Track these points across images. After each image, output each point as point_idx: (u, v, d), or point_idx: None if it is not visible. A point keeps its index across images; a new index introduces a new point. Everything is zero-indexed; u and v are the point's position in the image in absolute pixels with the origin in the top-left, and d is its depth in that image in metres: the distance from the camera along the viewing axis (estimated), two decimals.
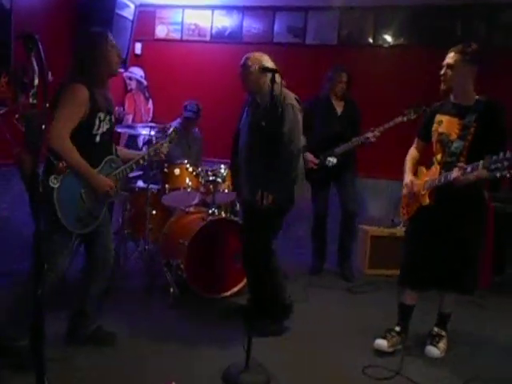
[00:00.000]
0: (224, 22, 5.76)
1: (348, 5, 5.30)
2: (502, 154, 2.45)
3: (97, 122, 2.55)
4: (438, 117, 2.89)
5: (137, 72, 5.63)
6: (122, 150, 2.95)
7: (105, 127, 2.61)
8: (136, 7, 5.00)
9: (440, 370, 2.84)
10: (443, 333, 3.05)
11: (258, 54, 3.10)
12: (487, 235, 2.97)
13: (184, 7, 5.82)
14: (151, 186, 3.83)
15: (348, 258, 4.55)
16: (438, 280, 2.90)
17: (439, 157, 2.88)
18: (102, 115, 2.57)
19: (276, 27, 5.59)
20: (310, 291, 4.01)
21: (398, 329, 3.04)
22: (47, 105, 1.61)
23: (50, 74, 4.60)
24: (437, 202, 2.83)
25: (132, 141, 5.29)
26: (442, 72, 2.85)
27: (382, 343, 2.96)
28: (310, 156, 4.34)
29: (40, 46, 1.77)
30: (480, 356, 3.06)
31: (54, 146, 2.41)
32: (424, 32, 5.22)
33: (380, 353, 2.96)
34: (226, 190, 3.96)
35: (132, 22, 5.03)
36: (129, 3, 4.90)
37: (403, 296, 3.04)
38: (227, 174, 3.96)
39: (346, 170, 4.41)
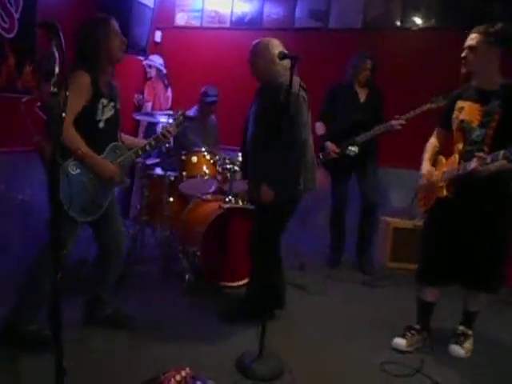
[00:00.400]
0: (244, 7, 5.66)
1: None
2: None
3: (100, 107, 2.54)
4: (459, 103, 2.73)
5: (156, 60, 5.61)
6: (128, 138, 2.93)
7: (108, 114, 2.60)
8: None
9: (463, 370, 2.72)
10: (469, 332, 2.92)
11: (268, 40, 3.01)
12: None
13: None
14: (169, 173, 3.82)
15: (367, 251, 4.46)
16: (458, 276, 2.77)
17: (460, 146, 2.71)
18: (104, 101, 2.57)
19: (297, 12, 5.44)
20: (328, 283, 3.95)
21: (417, 327, 2.93)
22: (67, 93, 1.58)
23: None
24: (456, 194, 2.68)
25: (151, 129, 5.28)
26: (463, 55, 2.68)
27: (400, 342, 2.87)
28: (330, 145, 4.25)
29: (61, 35, 1.74)
30: (506, 358, 2.93)
31: None
32: (457, 13, 4.95)
33: (399, 350, 2.87)
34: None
35: (152, 9, 4.97)
36: None
37: (423, 292, 2.93)
38: None
39: (368, 159, 4.30)
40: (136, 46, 4.85)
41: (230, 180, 3.83)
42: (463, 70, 2.70)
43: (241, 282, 3.66)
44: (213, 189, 4.06)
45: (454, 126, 2.74)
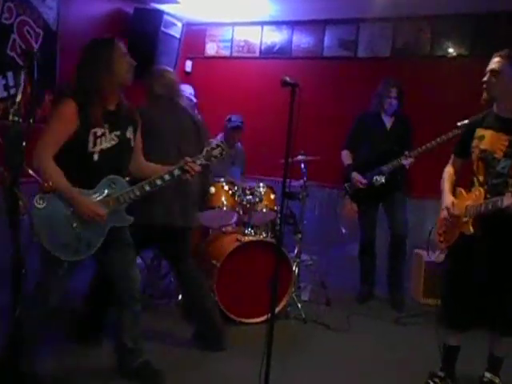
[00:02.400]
0: (273, 37, 5.67)
1: (402, 15, 5.00)
2: None
3: (91, 139, 2.30)
4: (480, 131, 2.54)
5: (187, 90, 5.63)
6: (149, 167, 2.60)
7: (106, 144, 2.34)
8: (183, 25, 5.01)
9: None
10: (497, 380, 2.65)
11: None
12: None
13: (234, 24, 5.80)
14: None
15: (399, 285, 4.21)
16: (484, 320, 2.56)
17: (481, 178, 2.52)
18: (98, 131, 2.31)
19: (326, 41, 5.41)
20: (354, 320, 3.73)
21: (441, 374, 2.70)
22: (31, 121, 1.52)
23: None
24: (482, 230, 2.46)
25: None
26: (485, 79, 2.50)
27: None
28: (356, 175, 4.11)
29: (35, 64, 1.72)
30: None
31: (34, 164, 2.24)
32: (488, 41, 4.79)
33: None
34: (264, 210, 3.82)
35: (179, 40, 5.04)
36: (176, 22, 4.92)
37: (446, 336, 2.70)
38: (265, 192, 3.82)
39: (395, 189, 4.11)
40: None
41: (250, 211, 3.72)
42: (485, 96, 2.52)
43: (259, 319, 3.49)
44: (234, 220, 3.96)
45: (475, 155, 2.56)
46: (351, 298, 4.24)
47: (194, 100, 5.64)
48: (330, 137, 5.21)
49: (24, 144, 1.73)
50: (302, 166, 4.16)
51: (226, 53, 5.90)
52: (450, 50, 5.01)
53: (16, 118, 1.56)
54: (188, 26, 5.34)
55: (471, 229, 2.49)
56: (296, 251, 4.12)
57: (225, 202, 3.74)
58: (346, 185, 4.24)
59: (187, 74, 5.98)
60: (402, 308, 4.05)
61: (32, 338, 2.41)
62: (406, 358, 3.14)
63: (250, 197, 3.72)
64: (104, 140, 2.35)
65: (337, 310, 3.95)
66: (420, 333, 3.61)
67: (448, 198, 2.65)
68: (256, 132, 5.06)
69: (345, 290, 4.37)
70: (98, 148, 2.33)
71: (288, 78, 2.27)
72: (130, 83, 2.42)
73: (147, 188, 2.42)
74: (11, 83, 3.71)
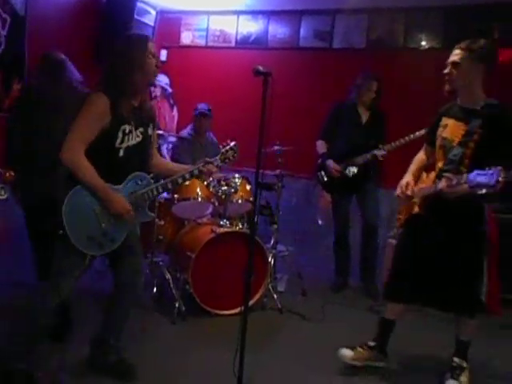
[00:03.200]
0: (249, 27, 5.61)
1: (378, 6, 5.01)
2: (487, 170, 2.17)
3: (120, 135, 2.32)
4: (444, 120, 2.63)
5: (162, 79, 5.55)
6: (167, 164, 2.73)
7: (132, 141, 2.37)
8: (157, 13, 4.92)
9: None
10: (464, 364, 2.70)
11: None
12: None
13: (209, 13, 5.72)
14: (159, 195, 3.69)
15: (371, 274, 4.26)
16: (426, 296, 2.66)
17: (440, 164, 2.61)
18: (127, 128, 2.34)
19: (302, 31, 5.38)
20: (329, 309, 3.75)
21: (371, 344, 2.81)
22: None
23: None
24: (429, 212, 2.58)
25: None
26: (446, 71, 2.56)
27: (346, 353, 2.77)
28: (331, 162, 4.12)
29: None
30: None
31: (65, 160, 2.22)
32: (460, 34, 4.81)
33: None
34: (240, 201, 3.80)
35: (153, 28, 4.94)
36: (150, 9, 4.83)
37: (386, 309, 2.81)
38: (241, 183, 3.79)
39: (368, 180, 4.16)
40: None
41: (225, 202, 3.69)
42: (447, 87, 2.58)
43: (233, 311, 3.48)
44: (209, 212, 3.93)
45: (438, 143, 2.65)
46: (327, 288, 4.27)
47: (170, 90, 5.57)
48: (305, 128, 5.19)
49: None
50: (277, 156, 4.14)
51: (202, 42, 5.82)
52: (423, 43, 5.05)
53: None
54: (162, 14, 5.25)
55: (416, 208, 2.62)
56: (272, 242, 4.11)
57: (200, 193, 3.71)
58: (318, 173, 4.26)
59: (162, 63, 5.86)
60: (376, 297, 4.08)
61: (36, 335, 2.39)
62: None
63: (226, 188, 3.68)
64: (131, 137, 2.37)
65: (312, 300, 3.97)
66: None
67: (405, 178, 2.73)
68: (231, 122, 5.01)
69: (320, 280, 4.40)
70: (124, 145, 2.35)
71: (260, 67, 2.25)
72: (154, 82, 2.53)
73: (170, 186, 2.51)
74: None
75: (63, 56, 2.98)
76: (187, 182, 3.64)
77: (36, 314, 2.37)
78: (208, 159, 2.60)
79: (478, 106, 2.50)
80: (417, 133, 3.75)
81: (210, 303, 3.46)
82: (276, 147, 4.08)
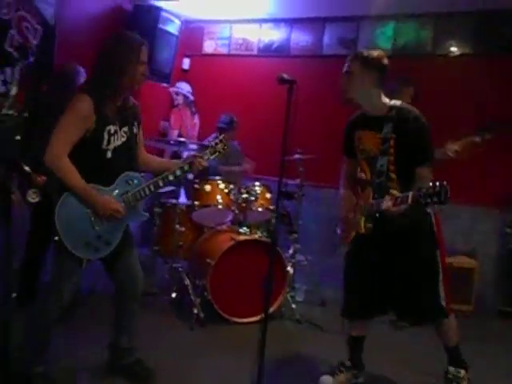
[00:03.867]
0: (272, 35, 5.62)
1: (404, 12, 4.94)
2: (431, 186, 2.10)
3: (105, 137, 2.28)
4: (357, 134, 2.59)
5: (184, 87, 5.61)
6: (155, 161, 2.66)
7: (118, 142, 2.34)
8: (182, 23, 4.97)
9: None
10: (461, 373, 2.63)
11: None
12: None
13: (232, 22, 5.75)
14: (180, 201, 3.72)
15: None
16: (385, 308, 2.69)
17: (368, 176, 2.56)
18: (112, 128, 2.30)
19: (325, 39, 5.35)
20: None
21: (348, 364, 2.77)
22: (26, 115, 1.48)
23: None
24: (373, 229, 2.49)
25: (176, 156, 5.23)
26: (342, 81, 2.52)
27: (327, 380, 2.69)
28: None
29: (31, 58, 1.69)
30: None
31: (47, 164, 2.19)
32: (492, 40, 4.71)
33: None
34: (260, 209, 3.79)
35: (177, 37, 4.99)
36: (174, 19, 4.88)
37: (349, 327, 2.80)
38: (261, 191, 3.79)
39: None
40: (159, 73, 4.87)
41: (245, 210, 3.69)
42: (343, 97, 2.54)
43: (252, 319, 3.47)
44: (229, 219, 3.93)
45: (358, 156, 2.62)
46: None
47: (191, 98, 5.62)
48: (328, 136, 5.17)
49: (19, 138, 1.69)
50: (299, 165, 4.13)
51: (224, 50, 5.85)
52: (453, 49, 4.94)
53: (10, 112, 1.52)
54: (186, 24, 5.30)
55: (362, 228, 2.51)
56: (291, 251, 4.08)
57: (220, 201, 3.71)
58: None
59: (185, 71, 5.94)
60: None
61: (45, 338, 2.39)
62: (402, 360, 3.11)
63: (246, 195, 3.69)
64: (116, 137, 2.34)
65: (331, 310, 3.89)
66: (416, 335, 3.55)
67: (343, 197, 2.70)
68: (253, 130, 5.02)
69: (340, 291, 4.30)
70: (111, 146, 2.32)
71: (285, 75, 2.23)
72: (141, 86, 2.40)
73: (161, 183, 2.45)
74: (9, 79, 3.67)
75: (75, 67, 3.06)
76: (208, 189, 3.70)
77: (39, 319, 2.37)
78: (197, 153, 2.56)
79: (384, 111, 2.48)
80: (475, 137, 3.47)
81: (228, 310, 3.45)
82: (297, 156, 4.06)
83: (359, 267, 2.67)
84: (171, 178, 2.47)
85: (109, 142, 2.31)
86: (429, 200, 2.11)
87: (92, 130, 2.25)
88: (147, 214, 2.56)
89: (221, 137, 2.61)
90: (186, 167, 2.48)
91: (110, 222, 2.33)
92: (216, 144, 2.57)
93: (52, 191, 2.34)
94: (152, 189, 2.43)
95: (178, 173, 2.48)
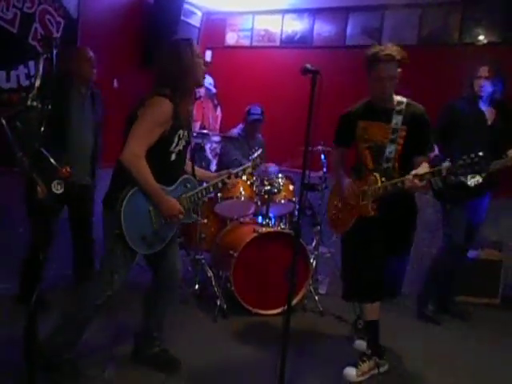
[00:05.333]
0: (294, 26, 5.57)
1: (429, 0, 4.83)
2: (467, 158, 2.38)
3: (175, 140, 2.38)
4: (361, 123, 2.76)
5: (206, 80, 5.60)
6: (200, 170, 2.75)
7: (182, 144, 2.43)
8: (203, 14, 4.97)
9: None
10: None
11: None
12: None
13: (254, 13, 5.71)
14: None
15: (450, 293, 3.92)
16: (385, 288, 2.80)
17: (371, 164, 2.75)
18: (181, 132, 2.39)
19: (349, 29, 5.28)
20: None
21: (368, 352, 2.78)
22: (48, 107, 1.50)
23: (115, 81, 4.66)
24: (380, 211, 2.69)
25: (199, 149, 5.24)
26: (386, 85, 2.66)
27: (349, 372, 2.71)
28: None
29: (54, 50, 1.71)
30: None
31: (125, 162, 2.25)
32: None
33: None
34: (283, 201, 3.77)
35: (199, 29, 4.99)
36: (196, 10, 4.88)
37: (366, 312, 2.79)
38: (284, 183, 3.77)
39: (488, 192, 3.61)
40: None
41: (268, 202, 3.68)
42: (384, 98, 2.70)
43: (275, 311, 3.46)
44: (251, 211, 3.93)
45: (361, 145, 2.78)
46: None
47: (214, 90, 5.62)
48: None
49: (42, 129, 1.71)
50: (322, 156, 4.09)
51: (246, 42, 5.83)
52: (480, 38, 4.81)
53: (34, 104, 1.54)
54: (208, 16, 5.30)
55: (371, 211, 2.68)
56: (314, 243, 4.06)
57: (243, 193, 3.70)
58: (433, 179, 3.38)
59: (207, 63, 5.93)
60: (462, 316, 3.77)
61: (82, 327, 2.44)
62: (425, 354, 3.08)
63: (269, 187, 3.68)
64: (182, 141, 2.42)
65: (355, 303, 3.87)
66: (446, 330, 3.54)
67: (347, 180, 2.83)
68: (276, 122, 4.99)
69: None
70: (177, 149, 2.41)
71: (308, 65, 2.22)
72: (203, 83, 2.57)
73: (211, 189, 2.60)
74: (33, 72, 3.73)
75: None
76: None
77: (83, 307, 2.43)
78: (232, 171, 2.66)
79: (392, 105, 2.69)
80: None
81: (251, 302, 3.45)
82: (320, 147, 4.03)
83: (369, 250, 2.72)
84: (220, 185, 2.62)
85: (177, 144, 2.39)
86: (468, 170, 2.36)
87: (167, 132, 2.32)
88: (196, 216, 2.69)
89: (258, 152, 2.84)
90: (220, 184, 2.62)
91: (167, 221, 2.40)
92: (255, 158, 2.83)
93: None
94: (205, 194, 2.56)
95: (226, 180, 2.62)
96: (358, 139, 2.79)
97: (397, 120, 2.66)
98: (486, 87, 3.53)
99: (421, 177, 2.47)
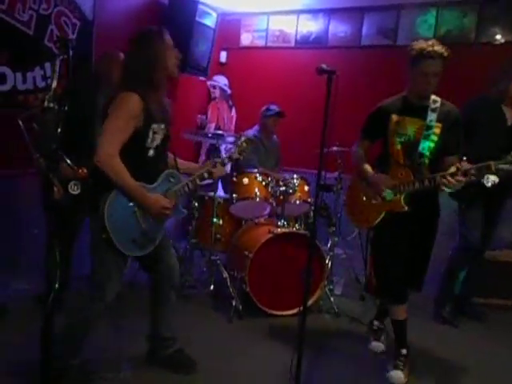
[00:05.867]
0: (309, 26, 5.54)
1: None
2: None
3: (150, 135, 2.29)
4: (394, 117, 2.74)
5: (221, 80, 5.62)
6: (183, 163, 2.66)
7: (159, 139, 2.34)
8: (218, 15, 4.97)
9: None
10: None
11: None
12: None
13: (269, 14, 5.70)
14: (218, 195, 3.74)
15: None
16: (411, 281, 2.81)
17: (402, 159, 2.73)
18: (155, 126, 2.31)
19: (364, 29, 5.23)
20: None
21: (404, 352, 2.79)
22: (65, 108, 1.51)
23: None
24: (414, 206, 2.67)
25: (214, 150, 5.25)
26: (431, 81, 2.66)
27: (397, 375, 2.70)
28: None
29: (70, 51, 1.72)
30: None
31: (100, 163, 2.19)
32: None
33: None
34: (298, 202, 3.76)
35: (214, 30, 4.99)
36: (211, 11, 4.88)
37: (397, 312, 2.79)
38: (299, 184, 3.76)
39: (506, 194, 3.54)
40: (197, 66, 4.89)
41: (283, 203, 3.67)
42: (426, 94, 2.70)
43: (290, 312, 3.45)
44: (267, 212, 3.92)
45: (393, 139, 2.75)
46: None
47: (229, 91, 5.63)
48: None
49: (59, 131, 1.72)
50: (338, 157, 4.07)
51: (261, 43, 5.82)
52: (497, 37, 4.75)
53: (51, 105, 1.55)
54: (223, 16, 5.29)
55: (404, 206, 2.67)
56: (329, 244, 4.04)
57: (258, 193, 3.70)
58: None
59: (222, 64, 5.94)
60: (479, 317, 3.74)
61: (83, 334, 2.42)
62: (441, 355, 3.07)
63: (284, 188, 3.67)
64: (158, 136, 2.34)
65: (371, 305, 3.85)
66: (461, 332, 3.50)
67: (378, 175, 2.79)
68: (291, 123, 4.97)
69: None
70: (154, 144, 2.33)
71: (324, 66, 2.21)
72: (176, 75, 2.39)
73: (198, 181, 2.50)
74: (49, 74, 3.76)
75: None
76: (245, 182, 3.71)
77: (80, 316, 2.39)
78: (217, 159, 2.61)
79: (428, 102, 2.68)
80: None
81: (266, 303, 3.45)
82: (335, 148, 4.00)
83: (399, 248, 2.73)
84: (206, 175, 2.53)
85: (153, 139, 2.31)
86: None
87: (139, 127, 2.25)
88: (186, 211, 2.61)
89: (243, 137, 2.73)
90: (206, 174, 2.54)
91: (155, 219, 2.34)
92: (241, 143, 2.70)
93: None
94: (191, 187, 2.48)
95: (206, 175, 2.54)
96: (391, 134, 2.75)
97: (432, 117, 2.66)
98: None
99: (465, 172, 2.44)
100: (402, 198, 2.67)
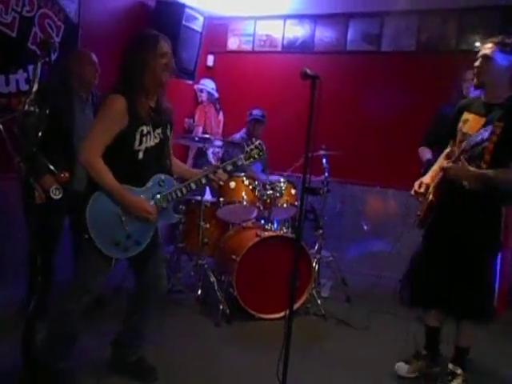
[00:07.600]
0: (296, 31, 5.59)
1: (428, 7, 4.88)
2: None
3: (137, 137, 2.27)
4: (465, 115, 2.58)
5: (208, 84, 5.63)
6: (181, 167, 2.64)
7: (150, 143, 2.32)
8: (205, 19, 4.97)
9: None
10: (459, 371, 2.62)
11: None
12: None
13: (256, 18, 5.73)
14: (205, 199, 3.74)
15: None
16: (440, 300, 2.55)
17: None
18: (145, 129, 2.29)
19: (349, 35, 5.30)
20: (375, 317, 3.65)
21: (423, 352, 2.77)
22: (46, 112, 1.50)
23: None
24: (443, 202, 2.49)
25: (201, 153, 5.25)
26: (477, 64, 2.49)
27: (400, 367, 2.74)
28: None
29: (52, 54, 1.71)
30: None
31: (83, 164, 2.20)
32: None
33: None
34: (285, 205, 3.79)
35: (201, 34, 5.00)
36: (198, 15, 4.87)
37: (426, 316, 2.79)
38: (286, 187, 3.78)
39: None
40: (184, 70, 4.88)
41: (270, 207, 3.69)
42: (475, 81, 2.52)
43: (278, 315, 3.47)
44: (254, 216, 3.94)
45: (458, 138, 2.58)
46: (372, 295, 4.13)
47: (216, 94, 5.64)
48: (352, 133, 5.13)
49: (40, 134, 1.71)
50: (324, 161, 4.10)
51: (248, 47, 5.84)
52: (477, 45, 4.85)
53: (31, 108, 1.54)
54: (210, 20, 5.29)
55: (430, 196, 2.54)
56: (316, 247, 4.07)
57: (245, 197, 3.71)
58: None
59: (209, 68, 5.96)
60: None
61: (69, 336, 2.39)
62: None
63: (271, 192, 3.70)
64: (149, 138, 2.32)
65: (357, 307, 3.89)
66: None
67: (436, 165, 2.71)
68: (277, 127, 5.01)
69: (366, 287, 4.29)
70: (143, 146, 2.30)
71: (308, 70, 2.22)
72: (166, 82, 2.36)
73: (193, 186, 2.43)
74: (31, 76, 3.72)
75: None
76: (233, 186, 3.71)
77: (62, 317, 2.36)
78: (218, 164, 2.55)
79: (500, 100, 2.45)
80: None
81: (254, 306, 3.46)
82: (322, 152, 4.04)
83: (425, 252, 2.64)
84: (204, 180, 2.44)
85: (141, 142, 2.29)
86: None
87: (125, 130, 2.24)
88: (177, 216, 2.57)
89: (256, 143, 2.48)
90: (204, 180, 2.44)
91: (141, 222, 2.32)
92: (251, 150, 2.47)
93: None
94: (184, 191, 2.41)
95: (204, 181, 2.44)
96: (458, 131, 2.60)
97: (494, 116, 2.42)
98: (473, 90, 3.46)
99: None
100: (433, 188, 2.59)
